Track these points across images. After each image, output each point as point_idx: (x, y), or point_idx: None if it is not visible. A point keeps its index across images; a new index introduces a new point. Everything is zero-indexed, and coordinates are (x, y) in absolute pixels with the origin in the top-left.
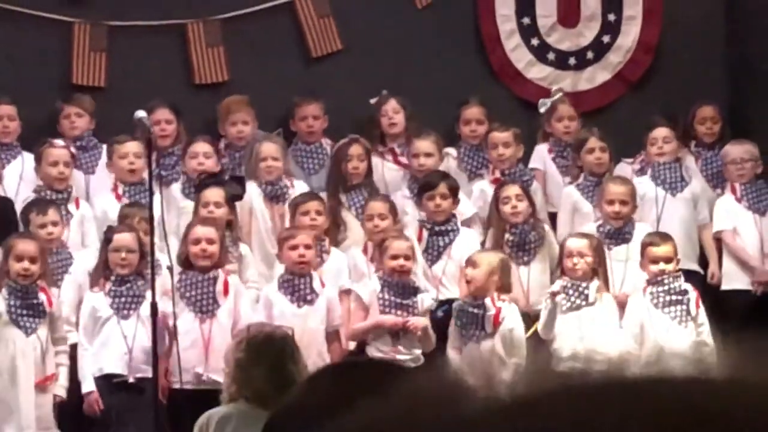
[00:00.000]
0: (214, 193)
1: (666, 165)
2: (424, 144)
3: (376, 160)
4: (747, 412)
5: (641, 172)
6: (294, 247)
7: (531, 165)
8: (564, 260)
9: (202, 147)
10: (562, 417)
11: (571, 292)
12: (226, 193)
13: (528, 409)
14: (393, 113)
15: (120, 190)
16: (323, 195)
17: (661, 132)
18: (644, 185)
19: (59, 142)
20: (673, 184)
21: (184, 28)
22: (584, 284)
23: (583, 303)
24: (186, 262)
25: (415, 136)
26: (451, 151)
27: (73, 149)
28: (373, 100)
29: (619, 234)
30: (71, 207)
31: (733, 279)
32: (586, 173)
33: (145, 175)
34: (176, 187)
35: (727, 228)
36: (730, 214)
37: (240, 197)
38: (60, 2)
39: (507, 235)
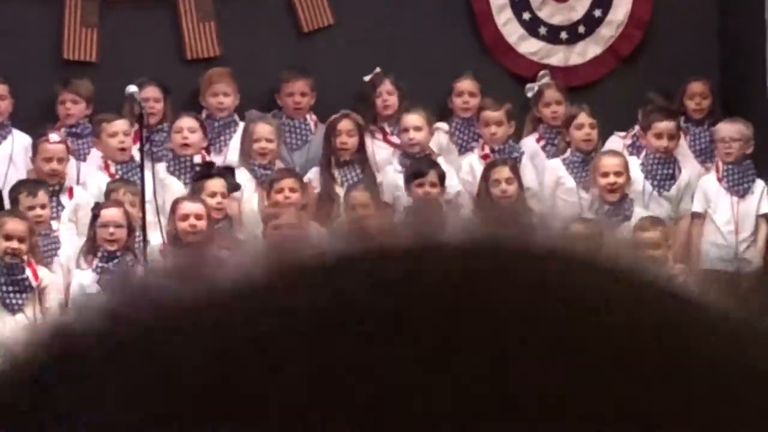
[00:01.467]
0: (218, 184)
1: (660, 158)
2: (413, 117)
3: (366, 138)
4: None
5: (632, 147)
6: (278, 228)
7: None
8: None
9: (186, 122)
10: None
11: None
12: (228, 184)
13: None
14: (387, 95)
15: (112, 169)
16: (315, 171)
17: (668, 127)
18: (633, 172)
19: (54, 137)
20: (661, 181)
21: (175, 3)
22: None
23: None
24: (175, 239)
25: (406, 110)
26: (442, 125)
27: (68, 141)
28: (367, 78)
29: (618, 211)
30: (64, 198)
31: (710, 259)
32: (573, 149)
33: (135, 151)
34: (162, 164)
35: (699, 210)
36: (709, 195)
37: (238, 188)
38: None
39: None
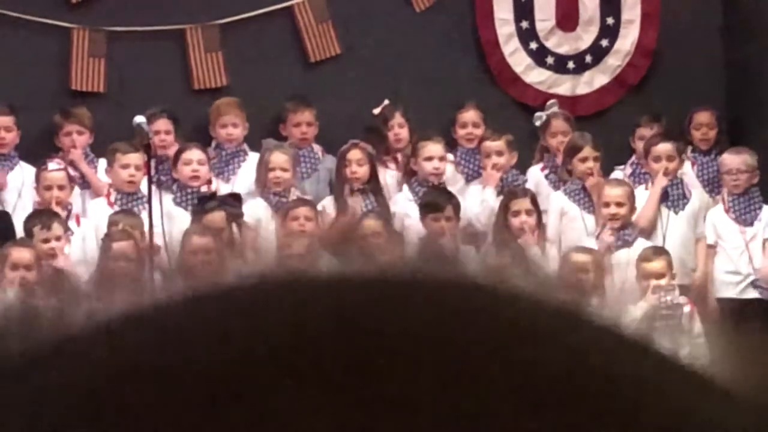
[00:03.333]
0: (216, 218)
1: (669, 182)
2: (437, 147)
3: (379, 167)
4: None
5: (632, 176)
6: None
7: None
8: (566, 273)
9: (196, 155)
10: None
11: None
12: (228, 214)
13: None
14: (398, 127)
15: (112, 198)
16: (329, 200)
17: (665, 149)
18: (643, 201)
19: (54, 165)
20: (675, 201)
21: (182, 34)
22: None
23: None
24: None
25: (423, 139)
26: (448, 155)
27: (71, 170)
28: (376, 111)
29: (618, 237)
30: (72, 224)
31: (722, 287)
32: (574, 178)
33: (143, 185)
34: (168, 196)
35: (710, 242)
36: (718, 227)
37: (241, 215)
38: (58, 8)
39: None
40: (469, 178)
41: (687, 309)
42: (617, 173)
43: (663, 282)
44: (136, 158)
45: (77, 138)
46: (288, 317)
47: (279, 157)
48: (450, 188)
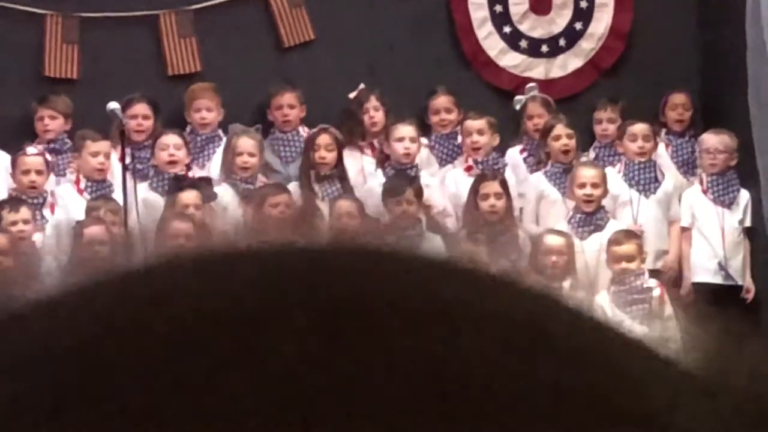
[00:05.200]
0: (191, 196)
1: (640, 164)
2: (408, 129)
3: (356, 153)
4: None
5: (597, 160)
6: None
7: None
8: (539, 256)
9: (172, 139)
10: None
11: None
12: (202, 195)
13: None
14: (374, 111)
15: (82, 185)
16: (294, 185)
17: (641, 128)
18: (617, 186)
19: (32, 149)
20: (646, 186)
21: (156, 19)
22: (557, 282)
23: None
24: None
25: (395, 122)
26: (423, 140)
27: (48, 155)
28: (352, 95)
29: (591, 221)
30: (46, 212)
31: (698, 272)
32: (552, 160)
33: (112, 173)
34: (144, 182)
35: (685, 225)
36: (693, 207)
37: (213, 198)
38: None
39: (479, 236)
40: (443, 162)
41: (657, 293)
42: (583, 160)
43: (633, 265)
44: (105, 146)
45: (50, 123)
46: (257, 275)
47: (246, 142)
48: (424, 171)
